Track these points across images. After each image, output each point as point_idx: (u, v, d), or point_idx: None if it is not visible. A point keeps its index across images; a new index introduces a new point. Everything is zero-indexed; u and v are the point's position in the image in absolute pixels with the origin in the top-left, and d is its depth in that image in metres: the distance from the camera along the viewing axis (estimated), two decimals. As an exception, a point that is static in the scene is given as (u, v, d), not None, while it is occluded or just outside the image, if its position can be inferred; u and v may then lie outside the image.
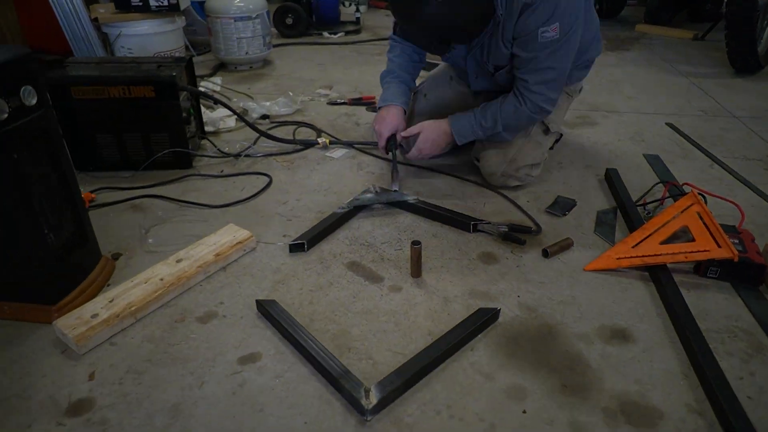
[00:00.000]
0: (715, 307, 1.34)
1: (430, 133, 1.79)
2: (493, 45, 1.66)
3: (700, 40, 3.91)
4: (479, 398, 1.10)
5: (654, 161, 2.10)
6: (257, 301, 1.33)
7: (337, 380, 1.10)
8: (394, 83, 1.89)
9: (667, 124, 2.47)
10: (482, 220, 1.63)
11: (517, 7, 1.52)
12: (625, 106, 2.71)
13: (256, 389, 1.12)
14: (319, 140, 2.19)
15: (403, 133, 1.82)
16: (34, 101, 1.17)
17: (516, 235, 1.58)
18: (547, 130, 1.82)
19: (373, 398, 1.05)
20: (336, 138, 2.25)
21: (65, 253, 1.31)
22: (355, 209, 1.72)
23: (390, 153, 1.87)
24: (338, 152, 2.16)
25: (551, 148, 1.94)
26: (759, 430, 1.00)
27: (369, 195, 1.76)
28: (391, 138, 1.84)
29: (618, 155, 2.16)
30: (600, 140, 2.30)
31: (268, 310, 1.29)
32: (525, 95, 1.66)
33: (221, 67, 3.24)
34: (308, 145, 2.19)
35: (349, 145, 2.19)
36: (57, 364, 1.18)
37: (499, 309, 1.31)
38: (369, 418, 1.05)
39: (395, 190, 1.79)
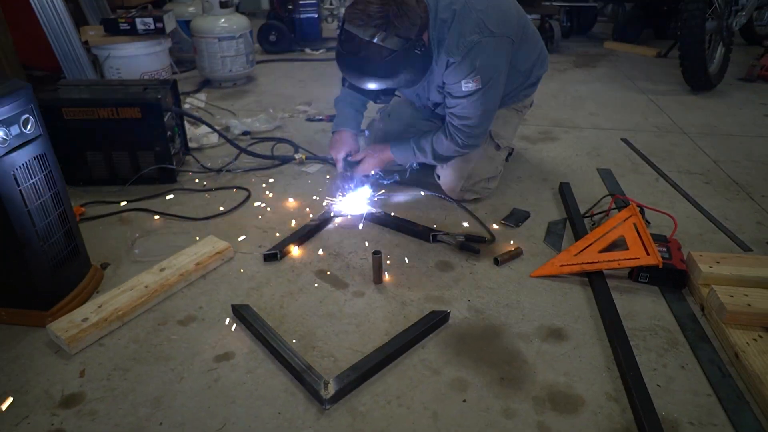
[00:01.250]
0: (642, 309, 1.51)
1: (373, 159, 1.99)
2: (431, 87, 1.85)
3: (662, 57, 4.13)
4: (426, 390, 1.26)
5: (606, 175, 2.28)
6: (233, 306, 1.47)
7: (300, 374, 1.24)
8: (347, 109, 2.08)
9: (622, 139, 2.65)
10: (441, 231, 1.79)
11: (443, 62, 1.70)
12: (586, 122, 2.89)
13: (229, 384, 1.27)
14: (296, 156, 2.34)
15: (351, 158, 2.01)
16: (31, 129, 1.32)
17: (471, 245, 1.74)
18: (497, 146, 1.99)
19: (331, 389, 1.20)
20: (312, 153, 2.40)
21: (58, 264, 1.45)
22: (325, 221, 1.87)
23: (348, 171, 2.04)
24: (313, 167, 2.31)
25: (506, 160, 2.10)
26: (662, 412, 1.17)
27: (338, 208, 1.92)
28: (346, 160, 2.03)
29: (574, 169, 2.33)
30: (559, 155, 2.48)
31: (242, 314, 1.44)
32: (453, 133, 1.83)
33: (206, 83, 3.39)
34: (286, 160, 2.34)
35: (324, 160, 2.35)
36: (51, 363, 1.32)
37: (449, 312, 1.46)
38: (327, 407, 1.20)
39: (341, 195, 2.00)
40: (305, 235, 1.80)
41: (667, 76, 3.67)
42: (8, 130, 1.25)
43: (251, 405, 1.21)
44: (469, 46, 1.65)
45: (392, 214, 1.91)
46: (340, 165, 2.02)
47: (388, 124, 2.15)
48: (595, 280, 1.58)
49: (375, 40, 1.49)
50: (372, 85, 1.62)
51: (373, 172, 2.05)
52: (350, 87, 1.69)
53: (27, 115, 1.31)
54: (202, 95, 3.15)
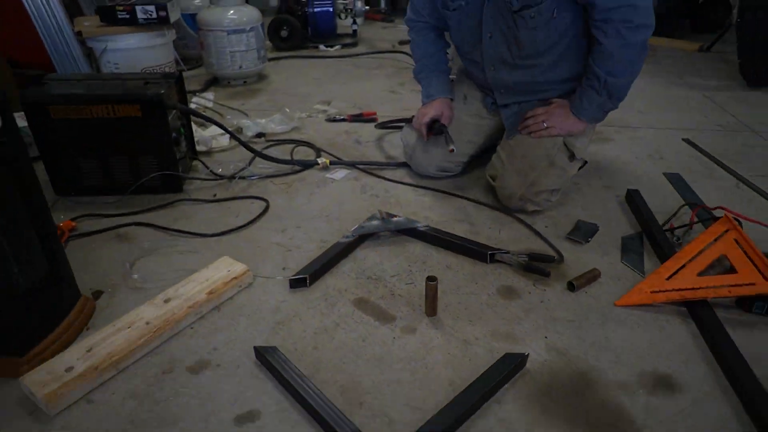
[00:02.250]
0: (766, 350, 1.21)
1: (561, 110, 1.68)
2: None
3: (705, 52, 3.83)
4: (513, 465, 0.96)
5: (676, 180, 1.98)
6: (255, 348, 1.18)
7: (349, 448, 0.95)
8: (433, 75, 1.87)
9: (684, 140, 2.35)
10: (500, 249, 1.49)
11: None
12: (638, 121, 2.59)
13: (256, 457, 0.98)
14: (319, 160, 2.05)
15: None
16: (-2, 126, 1.03)
17: (538, 266, 1.44)
18: (572, 156, 1.68)
19: (393, 470, 0.91)
20: (337, 158, 2.11)
21: (36, 295, 1.16)
22: (361, 238, 1.57)
23: (436, 131, 1.83)
24: (339, 173, 2.02)
25: (576, 174, 1.81)
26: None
27: (375, 222, 1.62)
28: (434, 122, 1.82)
29: (637, 174, 2.04)
30: (616, 158, 2.18)
31: (267, 359, 1.14)
32: (619, 29, 1.47)
33: (214, 82, 3.11)
34: (307, 165, 2.05)
35: (352, 165, 2.05)
36: (23, 430, 1.03)
37: (527, 354, 1.17)
38: (388, 494, 0.90)
39: (452, 150, 1.74)
40: (338, 255, 1.50)
41: (715, 71, 3.37)
42: (-33, 129, 0.96)
43: (286, 490, 0.92)
44: None
45: (435, 228, 1.61)
46: (424, 118, 1.81)
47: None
48: (698, 311, 1.28)
49: None
50: None
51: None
52: None
53: (-7, 110, 1.02)
54: (209, 94, 2.86)
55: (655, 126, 2.52)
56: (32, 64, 2.53)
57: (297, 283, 1.41)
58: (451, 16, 1.71)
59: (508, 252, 1.49)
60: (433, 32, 1.88)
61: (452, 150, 1.73)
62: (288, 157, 2.12)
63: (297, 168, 2.04)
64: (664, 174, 2.03)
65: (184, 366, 1.18)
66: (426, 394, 1.10)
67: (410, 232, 1.61)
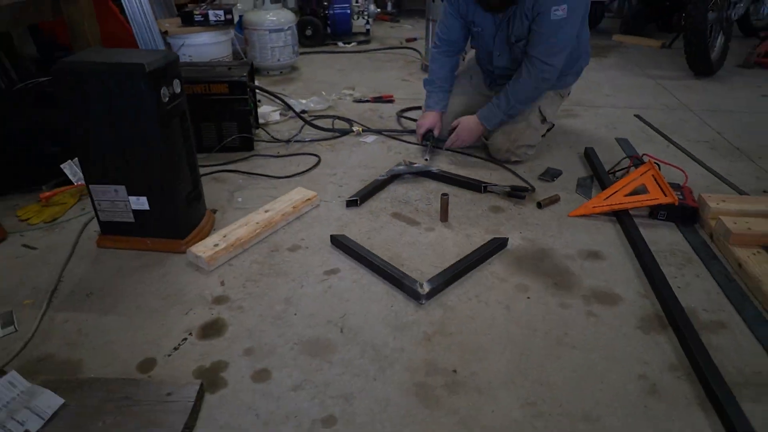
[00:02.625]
0: (662, 238, 1.85)
1: (466, 125, 2.36)
2: (516, 20, 2.16)
3: (667, 48, 4.48)
4: (497, 291, 1.60)
5: (623, 143, 2.63)
6: (331, 236, 1.82)
7: (399, 280, 1.59)
8: (436, 92, 2.47)
9: (635, 115, 3.00)
10: (491, 183, 2.13)
11: None
12: (602, 101, 3.24)
13: (341, 289, 1.61)
14: (354, 128, 2.68)
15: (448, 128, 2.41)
16: (179, 90, 1.66)
17: (517, 192, 2.08)
18: (543, 119, 2.34)
19: (426, 288, 1.55)
20: (367, 127, 2.75)
21: (189, 203, 1.79)
22: (392, 177, 2.21)
23: (425, 142, 2.44)
24: (370, 138, 2.66)
25: (544, 135, 2.45)
26: (683, 303, 1.51)
27: (401, 167, 2.26)
28: (428, 132, 2.43)
29: (595, 139, 2.68)
30: (581, 128, 2.83)
31: (340, 241, 1.78)
32: (530, 68, 2.16)
33: (256, 71, 3.73)
34: (345, 132, 2.68)
35: (378, 132, 2.69)
36: (195, 277, 1.66)
37: (507, 238, 1.81)
38: (423, 302, 1.54)
39: (426, 160, 2.33)
40: (377, 187, 2.14)
41: (673, 64, 4.03)
42: (168, 89, 1.59)
43: (363, 302, 1.55)
44: None
45: (445, 171, 2.25)
46: (421, 129, 2.43)
47: (451, 101, 2.50)
48: (622, 217, 1.93)
49: None
50: None
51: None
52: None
53: (176, 79, 1.65)
54: (255, 82, 3.48)
55: (615, 105, 3.17)
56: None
57: (351, 203, 2.04)
58: (474, 34, 2.40)
59: (496, 185, 2.13)
60: (452, 57, 2.47)
61: (426, 160, 2.33)
62: (329, 127, 2.75)
63: (337, 134, 2.67)
64: (616, 139, 2.68)
65: (285, 248, 1.81)
66: (442, 260, 1.74)
67: (427, 173, 2.25)
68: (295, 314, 1.51)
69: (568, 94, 2.53)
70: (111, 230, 1.77)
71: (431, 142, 2.42)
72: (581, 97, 3.29)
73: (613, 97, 3.32)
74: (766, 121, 2.95)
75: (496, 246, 1.76)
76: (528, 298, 1.57)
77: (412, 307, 1.54)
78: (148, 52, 1.61)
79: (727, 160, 2.45)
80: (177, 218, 1.75)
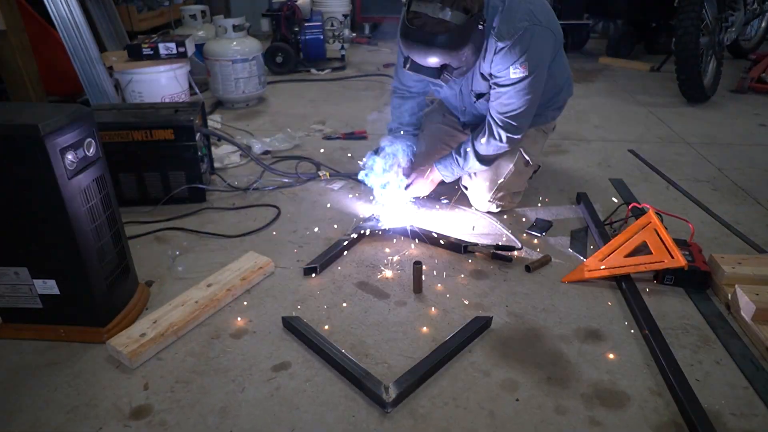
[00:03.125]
0: (671, 309, 1.59)
1: (421, 183, 2.11)
2: (474, 78, 1.93)
3: (656, 72, 4.29)
4: (479, 391, 1.32)
5: (618, 185, 2.38)
6: (283, 318, 1.53)
7: (359, 381, 1.30)
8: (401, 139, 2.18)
9: (629, 150, 2.77)
10: (472, 243, 1.87)
11: (492, 47, 1.78)
12: (592, 134, 3.01)
13: (291, 391, 1.32)
14: (320, 173, 2.41)
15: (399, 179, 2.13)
16: (93, 151, 1.38)
17: (503, 254, 1.81)
18: (527, 163, 2.08)
19: (392, 393, 1.26)
20: (335, 170, 2.47)
21: (113, 281, 1.50)
22: (360, 235, 1.94)
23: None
24: (337, 184, 2.38)
25: (530, 178, 2.20)
26: (704, 404, 1.24)
27: (371, 222, 1.99)
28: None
29: (587, 180, 2.44)
30: (571, 167, 2.58)
31: (293, 325, 1.49)
32: (494, 128, 1.92)
33: (219, 105, 3.46)
34: (310, 178, 2.41)
35: (348, 177, 2.42)
36: (114, 377, 1.36)
37: (492, 317, 1.53)
38: (389, 410, 1.25)
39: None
40: (341, 249, 1.86)
41: (663, 89, 3.83)
42: (76, 153, 1.30)
43: (315, 411, 1.27)
44: (518, 31, 1.73)
45: (420, 227, 1.98)
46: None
47: (421, 139, 2.24)
48: (624, 283, 1.67)
49: (443, 16, 1.58)
50: (436, 60, 1.68)
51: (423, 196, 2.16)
52: (411, 68, 1.74)
53: (90, 139, 1.37)
54: (217, 116, 3.21)
55: (606, 138, 2.94)
56: (57, 93, 2.86)
57: (309, 271, 1.76)
58: (437, 92, 2.15)
59: (477, 244, 1.86)
60: (414, 102, 2.19)
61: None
62: (293, 171, 2.47)
63: (302, 180, 2.39)
64: (610, 179, 2.43)
65: (228, 333, 1.52)
66: (414, 348, 1.46)
67: (400, 230, 1.97)
68: (231, 431, 1.22)
69: (553, 129, 2.28)
70: (15, 318, 1.47)
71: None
72: (569, 130, 3.05)
73: (603, 129, 3.09)
74: (769, 154, 2.73)
75: (478, 327, 1.49)
76: (517, 400, 1.29)
77: (376, 416, 1.25)
78: (54, 108, 1.33)
79: (732, 204, 2.21)
80: (95, 303, 1.45)
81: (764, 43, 4.88)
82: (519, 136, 1.95)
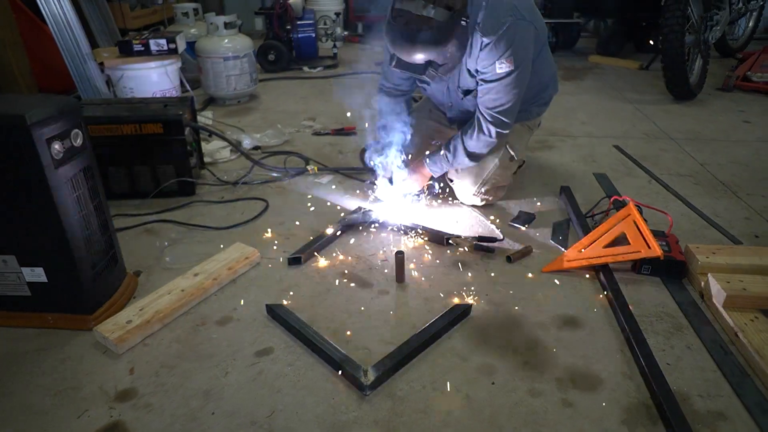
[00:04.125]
0: (647, 297, 1.63)
1: (414, 179, 2.14)
2: (461, 74, 1.96)
3: (645, 70, 4.34)
4: (457, 375, 1.35)
5: (602, 179, 2.42)
6: (267, 306, 1.56)
7: (340, 364, 1.33)
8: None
9: (614, 146, 2.81)
10: (454, 235, 1.90)
11: (477, 43, 1.82)
12: (578, 131, 3.05)
13: (273, 375, 1.35)
14: (308, 167, 2.44)
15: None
16: (80, 142, 1.41)
17: (485, 245, 1.85)
18: (512, 158, 2.11)
19: (371, 376, 1.30)
20: (323, 165, 2.51)
21: (100, 270, 1.53)
22: (346, 227, 1.97)
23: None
24: (326, 178, 2.42)
25: (515, 173, 2.23)
26: (673, 387, 1.28)
27: (356, 215, 2.02)
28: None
29: (572, 174, 2.48)
30: (557, 162, 2.62)
31: (277, 312, 1.53)
32: (483, 124, 1.95)
33: (211, 101, 3.49)
34: (299, 172, 2.44)
35: (335, 171, 2.45)
36: (100, 362, 1.39)
37: (471, 305, 1.57)
38: (368, 393, 1.29)
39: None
40: (326, 240, 1.89)
41: (651, 87, 3.88)
42: (62, 143, 1.33)
43: (296, 394, 1.30)
44: (503, 26, 1.76)
45: (404, 220, 2.01)
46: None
47: (412, 137, 2.27)
48: (602, 273, 1.71)
49: (426, 13, 1.62)
50: (421, 56, 1.72)
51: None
52: (397, 65, 1.79)
53: (77, 130, 1.40)
54: (209, 113, 3.24)
55: (592, 135, 2.98)
56: (49, 89, 2.88)
57: (294, 261, 1.79)
58: (424, 89, 2.19)
59: (459, 236, 1.90)
60: (402, 99, 2.22)
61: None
62: (281, 166, 2.50)
63: (291, 174, 2.43)
64: (594, 174, 2.47)
65: (213, 321, 1.55)
66: (395, 334, 1.49)
67: (383, 223, 2.01)
68: (213, 413, 1.25)
69: (538, 125, 2.32)
70: (4, 306, 1.50)
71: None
72: (556, 126, 3.09)
73: (590, 125, 3.13)
74: (751, 150, 2.77)
75: (458, 314, 1.52)
76: (493, 383, 1.33)
77: (354, 399, 1.29)
78: (43, 99, 1.36)
79: (713, 197, 2.26)
80: (83, 290, 1.48)
81: (752, 43, 4.94)
82: (507, 131, 1.99)
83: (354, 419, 1.23)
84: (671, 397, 1.24)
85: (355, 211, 2.06)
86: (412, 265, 1.78)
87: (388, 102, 2.21)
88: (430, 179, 2.18)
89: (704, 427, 1.20)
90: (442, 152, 2.07)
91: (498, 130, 1.95)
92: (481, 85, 1.91)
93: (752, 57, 4.04)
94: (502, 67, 1.83)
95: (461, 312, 1.53)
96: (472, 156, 2.03)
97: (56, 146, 1.32)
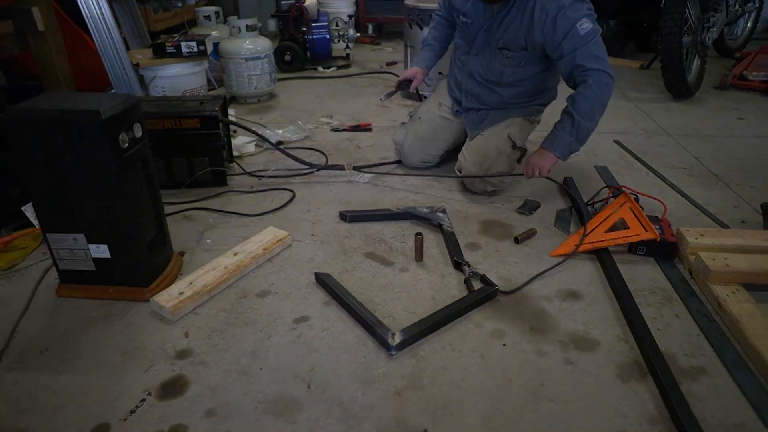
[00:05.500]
0: (641, 275, 1.82)
1: (537, 161, 2.15)
2: (511, 24, 2.07)
3: (645, 69, 4.51)
4: (472, 339, 1.54)
5: (602, 171, 2.60)
6: (316, 274, 1.77)
7: (372, 327, 1.53)
8: (427, 50, 2.56)
9: (615, 141, 2.99)
10: (466, 262, 2.07)
11: (546, 16, 1.93)
12: (580, 127, 3.22)
13: (310, 338, 1.55)
14: (346, 166, 2.53)
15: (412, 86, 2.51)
16: (140, 134, 1.61)
17: (487, 278, 1.91)
18: (514, 145, 2.30)
19: (397, 339, 1.49)
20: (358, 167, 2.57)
21: (153, 249, 1.73)
22: (406, 214, 2.16)
23: (399, 90, 2.59)
24: (365, 177, 2.52)
25: (519, 162, 2.42)
26: (662, 348, 1.46)
27: (424, 210, 2.15)
28: (405, 82, 2.54)
29: (574, 167, 2.65)
30: (560, 156, 2.80)
31: (323, 280, 1.73)
32: (590, 78, 1.96)
33: (232, 100, 3.69)
34: (336, 168, 2.52)
35: (370, 171, 2.54)
36: (158, 328, 1.59)
37: (497, 288, 1.71)
38: (393, 353, 1.48)
39: (381, 99, 2.61)
40: (380, 215, 2.15)
41: (651, 86, 4.05)
42: (127, 134, 1.53)
43: (332, 353, 1.49)
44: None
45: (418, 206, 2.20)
46: (400, 78, 2.57)
47: (422, 125, 2.47)
48: (601, 254, 1.89)
49: None
50: None
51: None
52: None
53: (138, 123, 1.59)
54: (231, 110, 3.43)
55: (594, 130, 3.15)
56: (95, 89, 3.08)
57: (342, 217, 2.10)
58: (459, 24, 2.35)
59: (468, 263, 1.93)
60: (447, 26, 2.53)
61: (381, 99, 2.59)
62: (309, 160, 2.67)
63: (318, 167, 2.56)
64: (595, 166, 2.66)
65: (254, 293, 1.74)
66: (416, 305, 1.68)
67: (398, 214, 2.18)
68: (261, 369, 1.44)
69: (539, 122, 2.50)
70: (71, 279, 1.69)
71: (398, 93, 2.61)
72: (560, 123, 3.27)
73: (592, 122, 3.31)
74: (743, 145, 2.95)
75: (483, 296, 1.68)
76: (504, 345, 1.52)
77: (383, 358, 1.48)
78: (109, 97, 1.56)
79: (705, 188, 2.43)
80: (140, 266, 1.68)
81: (750, 43, 5.10)
82: (612, 81, 1.99)
83: (383, 374, 1.42)
84: (659, 355, 1.42)
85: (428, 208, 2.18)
86: (428, 247, 1.97)
87: (435, 26, 2.55)
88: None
89: (687, 379, 1.39)
90: (556, 128, 2.11)
91: (605, 78, 1.96)
92: (573, 53, 1.94)
93: (749, 57, 4.21)
94: (584, 27, 1.91)
95: (486, 294, 1.70)
96: (586, 115, 2.02)
97: (123, 137, 1.51)
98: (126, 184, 1.55)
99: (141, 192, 1.64)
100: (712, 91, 3.92)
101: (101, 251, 1.63)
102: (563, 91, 2.28)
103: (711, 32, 3.67)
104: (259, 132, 2.73)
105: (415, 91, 2.62)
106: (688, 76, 3.55)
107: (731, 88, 3.93)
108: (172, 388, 1.37)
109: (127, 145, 1.53)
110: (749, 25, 4.93)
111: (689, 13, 3.42)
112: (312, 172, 2.58)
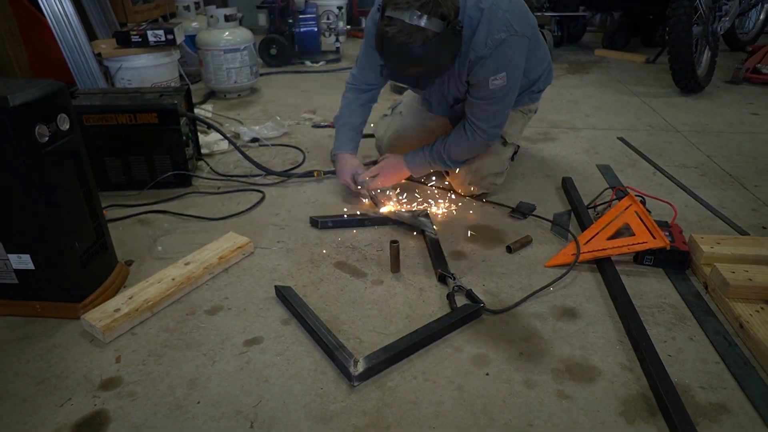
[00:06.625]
0: (649, 288, 1.58)
1: (388, 171, 2.07)
2: (452, 82, 1.91)
3: (651, 63, 4.27)
4: (449, 366, 1.31)
5: (605, 170, 2.37)
6: (276, 287, 1.55)
7: (332, 352, 1.30)
8: (344, 130, 2.13)
9: (618, 138, 2.75)
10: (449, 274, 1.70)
11: (469, 56, 1.75)
12: (582, 123, 2.99)
13: (261, 364, 1.32)
14: (315, 172, 2.33)
15: (363, 175, 2.05)
16: (67, 126, 1.38)
17: (474, 295, 1.56)
18: (505, 143, 2.07)
19: (360, 367, 1.26)
20: (329, 171, 2.36)
21: (89, 258, 1.51)
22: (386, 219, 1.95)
23: (363, 190, 2.07)
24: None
25: (512, 159, 2.19)
26: (674, 379, 1.23)
27: (407, 214, 1.95)
28: (355, 178, 2.07)
29: (574, 166, 2.43)
30: (559, 153, 2.57)
31: (283, 294, 1.51)
32: (475, 132, 1.90)
33: (211, 95, 3.47)
34: (306, 175, 2.31)
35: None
36: (87, 351, 1.37)
37: (483, 305, 1.48)
38: (356, 384, 1.25)
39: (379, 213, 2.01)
40: (351, 221, 1.93)
41: (657, 81, 3.81)
42: (47, 127, 1.31)
43: (284, 383, 1.27)
44: (497, 43, 1.70)
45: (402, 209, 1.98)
46: (352, 186, 2.08)
47: (403, 120, 2.24)
48: (603, 264, 1.66)
49: (420, 23, 1.52)
50: (415, 70, 1.66)
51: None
52: (389, 76, 1.76)
53: (63, 114, 1.37)
54: (208, 106, 3.22)
55: (596, 127, 2.92)
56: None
57: (314, 223, 1.89)
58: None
59: (453, 275, 1.65)
60: (366, 96, 2.13)
61: (378, 209, 2.00)
62: (277, 159, 2.46)
63: (293, 176, 2.32)
64: (597, 165, 2.42)
65: (203, 310, 1.52)
66: (388, 324, 1.46)
67: (383, 220, 1.96)
68: (198, 402, 1.22)
69: (535, 111, 2.26)
70: (-9, 293, 1.48)
71: (366, 188, 2.06)
72: (560, 119, 3.04)
73: (594, 118, 3.08)
74: (759, 142, 2.71)
75: (465, 315, 1.45)
76: (487, 374, 1.29)
77: (343, 389, 1.25)
78: (27, 82, 1.34)
79: (719, 189, 2.20)
80: (71, 278, 1.46)
81: (763, 36, 4.85)
82: (495, 140, 1.98)
83: (342, 409, 1.20)
84: (671, 389, 1.19)
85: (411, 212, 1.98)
86: (407, 256, 1.75)
87: (355, 99, 2.12)
88: (406, 178, 2.14)
89: (705, 419, 1.16)
90: (425, 152, 2.02)
91: (489, 141, 1.93)
92: (473, 98, 1.86)
93: (763, 49, 3.97)
94: (495, 83, 1.78)
95: (470, 313, 1.46)
96: (455, 163, 2.02)
97: (41, 130, 1.29)
98: (47, 183, 1.33)
99: (71, 194, 1.42)
100: (723, 86, 3.68)
101: (23, 262, 1.41)
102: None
103: (723, 22, 3.43)
104: (230, 130, 2.50)
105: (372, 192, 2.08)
106: (698, 69, 3.31)
107: (744, 82, 3.69)
108: (88, 427, 1.15)
109: (47, 138, 1.31)
110: (762, 16, 4.67)
111: (699, 1, 3.18)
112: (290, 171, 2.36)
